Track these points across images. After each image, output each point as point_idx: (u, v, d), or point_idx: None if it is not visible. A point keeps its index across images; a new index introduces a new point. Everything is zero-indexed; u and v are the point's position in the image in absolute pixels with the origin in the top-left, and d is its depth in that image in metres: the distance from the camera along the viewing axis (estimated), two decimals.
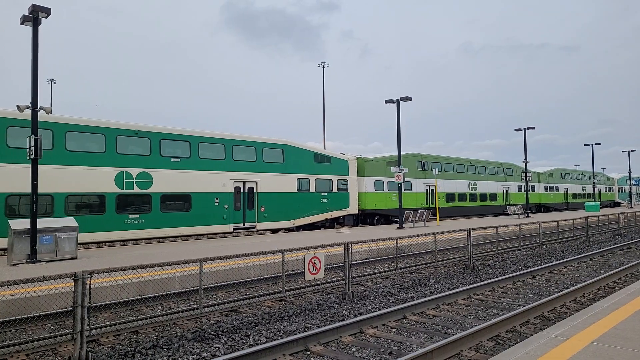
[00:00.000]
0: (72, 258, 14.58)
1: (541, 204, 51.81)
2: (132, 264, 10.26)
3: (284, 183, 25.63)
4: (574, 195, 59.66)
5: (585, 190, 62.89)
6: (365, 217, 31.39)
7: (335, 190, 28.47)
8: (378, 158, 32.66)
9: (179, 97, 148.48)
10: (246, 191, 23.97)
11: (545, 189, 52.81)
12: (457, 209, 38.72)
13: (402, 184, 27.18)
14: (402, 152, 33.29)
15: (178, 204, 21.31)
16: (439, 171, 36.19)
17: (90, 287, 6.40)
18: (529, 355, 5.13)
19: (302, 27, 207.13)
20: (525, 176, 40.39)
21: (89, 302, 6.39)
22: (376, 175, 31.54)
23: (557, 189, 55.41)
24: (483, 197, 42.04)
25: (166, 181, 20.85)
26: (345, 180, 29.28)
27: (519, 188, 47.26)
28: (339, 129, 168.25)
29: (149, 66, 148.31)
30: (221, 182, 22.80)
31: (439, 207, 34.01)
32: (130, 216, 19.51)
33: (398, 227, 26.45)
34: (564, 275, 13.49)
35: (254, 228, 24.30)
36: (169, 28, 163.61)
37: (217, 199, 22.58)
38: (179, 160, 21.47)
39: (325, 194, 27.80)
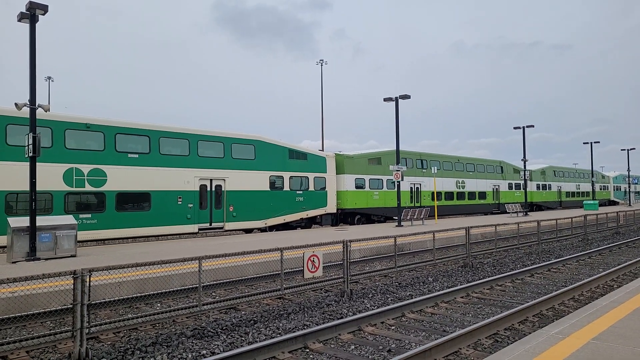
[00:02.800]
0: (72, 256, 14.57)
1: (533, 202, 50.08)
2: (132, 261, 10.29)
3: (255, 180, 24.35)
4: (568, 194, 58.28)
5: (579, 188, 61.66)
6: (345, 217, 30.30)
7: (311, 188, 27.14)
8: (359, 155, 31.46)
9: (176, 96, 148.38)
10: (213, 189, 22.66)
11: (537, 187, 51.45)
12: (444, 208, 37.31)
13: (401, 182, 27.13)
14: (384, 150, 33.27)
15: (136, 203, 20.00)
16: (424, 169, 35.37)
17: (89, 284, 6.41)
18: (528, 353, 5.14)
19: (293, 26, 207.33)
20: (524, 175, 40.41)
21: (89, 300, 6.40)
22: (357, 173, 30.36)
23: (549, 187, 54.09)
24: (471, 195, 40.64)
25: (122, 178, 19.61)
26: (323, 178, 27.95)
27: (510, 186, 46.23)
28: (335, 127, 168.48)
29: (143, 65, 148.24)
30: (185, 179, 21.50)
31: (423, 206, 33.44)
32: (81, 216, 18.25)
33: (397, 225, 26.47)
34: (562, 273, 13.52)
35: (222, 228, 23.01)
36: (161, 27, 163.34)
37: (180, 198, 21.25)
38: (137, 156, 20.19)
39: (301, 192, 26.51)
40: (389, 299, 10.11)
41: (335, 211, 28.65)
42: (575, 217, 23.91)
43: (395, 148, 27.89)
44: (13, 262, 13.51)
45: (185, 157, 21.79)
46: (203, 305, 7.86)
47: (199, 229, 22.00)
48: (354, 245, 16.49)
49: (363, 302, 9.84)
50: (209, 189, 22.53)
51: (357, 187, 30.18)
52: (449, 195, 38.13)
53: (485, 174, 43.01)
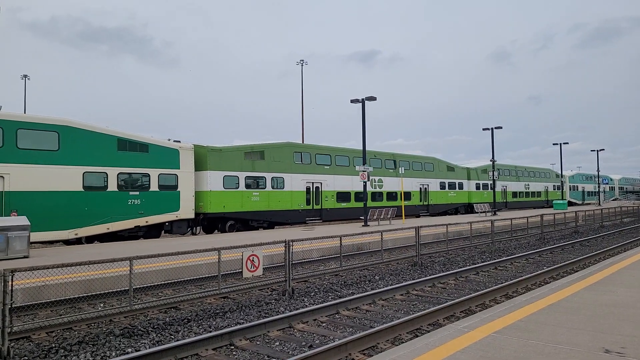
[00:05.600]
0: (24, 257, 14.46)
1: (471, 203, 44.95)
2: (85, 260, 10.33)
3: (59, 178, 18.89)
4: (514, 194, 53.07)
5: (528, 188, 56.52)
6: (212, 223, 25.66)
7: (154, 188, 21.84)
8: (230, 148, 26.10)
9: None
10: None
11: (477, 186, 46.66)
12: (353, 211, 32.01)
13: (367, 182, 27.48)
14: (274, 142, 28.70)
15: None
16: (327, 165, 30.71)
17: (12, 285, 6.48)
18: (427, 346, 5.41)
19: None
20: (493, 175, 41.17)
21: (11, 300, 6.48)
22: (227, 170, 25.12)
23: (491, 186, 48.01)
24: (391, 196, 35.52)
25: None
26: (174, 175, 22.66)
27: (442, 186, 41.69)
28: (318, 131, 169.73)
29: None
30: None
31: (324, 209, 30.07)
32: None
33: (363, 225, 26.82)
34: (508, 271, 13.96)
35: None
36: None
37: None
38: None
39: (137, 193, 21.26)
40: (330, 297, 10.36)
41: (192, 216, 23.57)
42: (531, 216, 24.56)
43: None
44: None
45: None
46: (134, 305, 7.99)
47: None
48: (316, 244, 16.73)
49: (303, 300, 10.06)
50: None
51: (227, 187, 25.02)
52: (361, 197, 32.05)
53: (411, 171, 38.12)
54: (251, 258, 9.54)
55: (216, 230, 25.74)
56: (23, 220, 14.98)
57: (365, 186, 27.39)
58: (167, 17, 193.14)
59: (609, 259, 13.10)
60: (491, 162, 48.83)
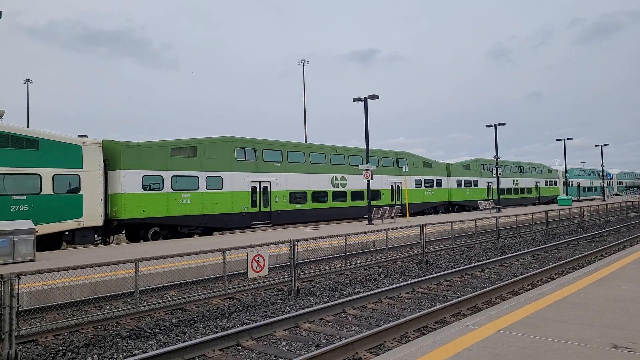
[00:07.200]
0: (30, 260, 14.52)
1: (452, 201, 42.09)
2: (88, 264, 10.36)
3: None
4: (502, 191, 48.06)
5: (517, 184, 52.71)
6: (133, 229, 22.31)
7: (48, 191, 18.53)
8: (152, 143, 22.75)
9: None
10: None
11: (458, 183, 43.19)
12: (311, 213, 29.02)
13: (370, 180, 27.45)
14: (210, 137, 25.26)
15: None
16: (277, 162, 27.57)
17: (18, 289, 6.50)
18: (435, 344, 5.39)
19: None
20: (497, 172, 41.05)
21: (18, 304, 6.49)
22: (148, 168, 21.74)
23: (475, 183, 45.40)
24: (357, 195, 31.91)
25: None
26: (75, 176, 19.32)
27: (417, 183, 38.25)
28: (317, 131, 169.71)
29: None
30: None
31: (273, 211, 26.95)
32: None
33: (367, 224, 26.80)
34: (514, 267, 13.92)
35: None
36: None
37: None
38: None
39: (23, 197, 17.86)
40: (336, 296, 10.35)
41: (101, 223, 20.14)
42: (536, 212, 24.47)
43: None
44: None
45: None
46: (140, 307, 8.00)
47: None
48: (321, 244, 16.73)
49: (309, 299, 10.06)
50: None
51: (147, 189, 21.64)
52: (319, 196, 29.76)
53: (380, 168, 34.26)
54: (256, 258, 9.54)
55: (141, 240, 22.24)
56: (28, 224, 15.03)
57: (369, 185, 27.34)
58: (166, 19, 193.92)
59: (615, 254, 13.05)
60: (474, 158, 47.50)
